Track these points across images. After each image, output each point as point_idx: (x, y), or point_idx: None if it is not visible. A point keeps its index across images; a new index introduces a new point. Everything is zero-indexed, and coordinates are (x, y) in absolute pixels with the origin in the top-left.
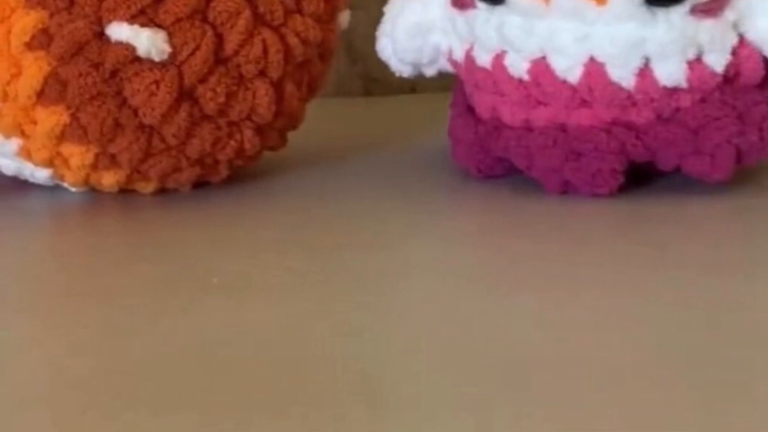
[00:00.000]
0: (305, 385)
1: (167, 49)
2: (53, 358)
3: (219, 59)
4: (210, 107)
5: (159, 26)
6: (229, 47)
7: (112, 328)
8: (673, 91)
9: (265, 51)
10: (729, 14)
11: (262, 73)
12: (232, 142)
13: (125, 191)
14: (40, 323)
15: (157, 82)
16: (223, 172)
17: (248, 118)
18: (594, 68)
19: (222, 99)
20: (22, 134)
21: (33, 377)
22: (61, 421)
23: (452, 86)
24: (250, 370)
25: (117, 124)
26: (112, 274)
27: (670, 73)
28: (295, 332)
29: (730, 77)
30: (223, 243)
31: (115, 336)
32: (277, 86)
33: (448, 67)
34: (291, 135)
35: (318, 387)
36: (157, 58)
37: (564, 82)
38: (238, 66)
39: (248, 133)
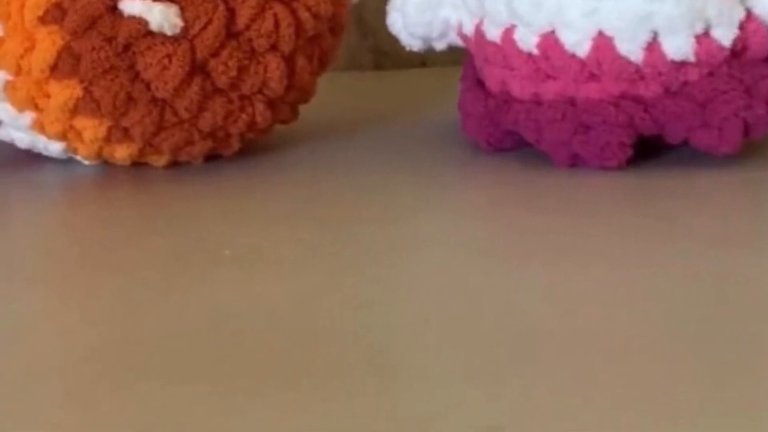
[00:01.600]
0: (316, 357)
1: (179, 23)
2: (66, 330)
3: (231, 33)
4: (222, 81)
5: (171, 0)
6: (241, 21)
7: (125, 300)
8: (681, 65)
9: (277, 25)
10: None
11: (273, 47)
12: (244, 116)
13: (138, 164)
14: (53, 295)
15: (169, 56)
16: (235, 145)
17: (260, 91)
18: (602, 42)
19: (234, 73)
20: (36, 108)
21: (46, 348)
22: (74, 392)
23: (462, 60)
24: (261, 342)
25: (130, 98)
26: (124, 247)
27: (678, 47)
28: (306, 304)
29: (737, 51)
30: (234, 216)
31: (128, 308)
32: (289, 60)
33: (458, 42)
34: (302, 108)
35: (328, 359)
36: (169, 32)
37: (573, 56)
38: (250, 40)
39: (260, 106)
